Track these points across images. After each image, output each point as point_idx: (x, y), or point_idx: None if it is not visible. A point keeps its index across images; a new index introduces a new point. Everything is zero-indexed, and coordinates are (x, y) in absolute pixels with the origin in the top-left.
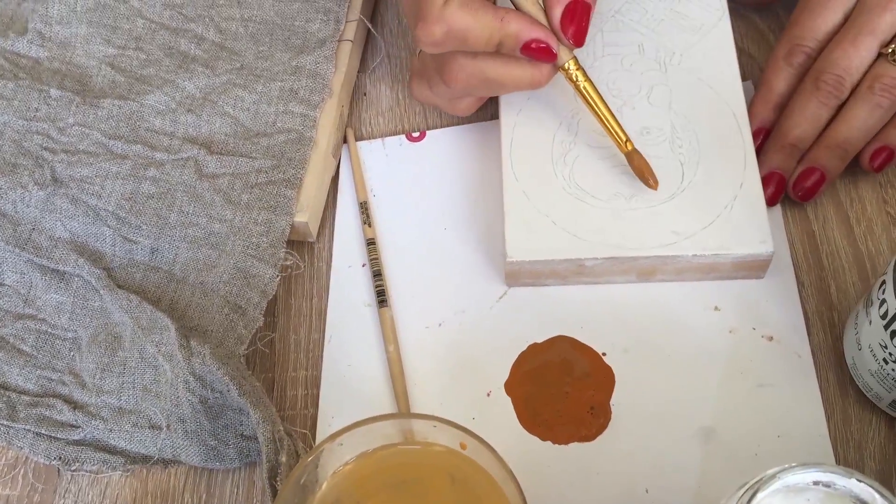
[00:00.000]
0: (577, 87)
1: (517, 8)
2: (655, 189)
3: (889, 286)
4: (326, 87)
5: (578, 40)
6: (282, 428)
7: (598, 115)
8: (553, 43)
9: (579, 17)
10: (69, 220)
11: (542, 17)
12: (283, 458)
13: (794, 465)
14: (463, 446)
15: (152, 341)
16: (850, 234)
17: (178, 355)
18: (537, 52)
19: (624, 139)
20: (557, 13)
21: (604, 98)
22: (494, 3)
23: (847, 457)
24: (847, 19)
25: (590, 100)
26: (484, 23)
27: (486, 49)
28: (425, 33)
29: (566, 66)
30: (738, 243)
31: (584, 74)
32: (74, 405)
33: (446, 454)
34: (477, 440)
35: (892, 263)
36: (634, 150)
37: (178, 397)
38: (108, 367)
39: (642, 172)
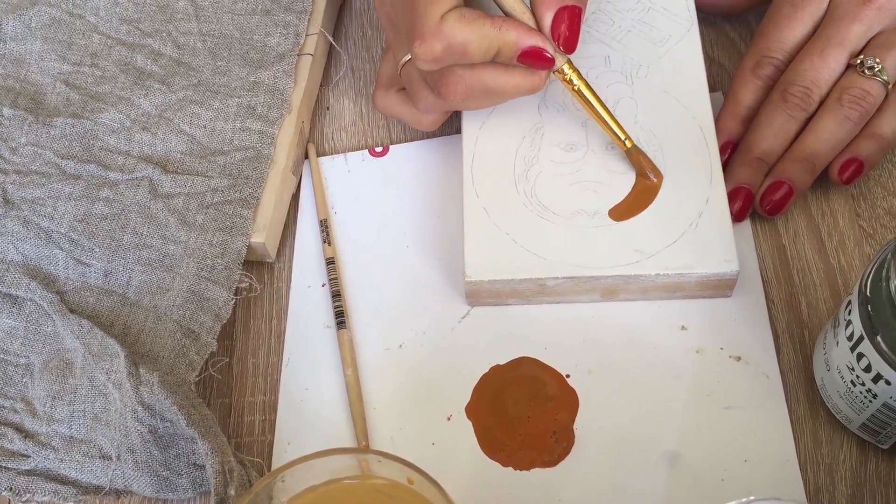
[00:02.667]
0: (573, 90)
1: (508, 15)
2: (659, 182)
3: (854, 307)
4: (285, 102)
5: (570, 46)
6: (232, 458)
7: (596, 116)
8: (550, 49)
9: (570, 23)
10: (21, 243)
11: (535, 24)
12: (233, 491)
13: (752, 499)
14: (410, 481)
15: (102, 369)
16: (822, 248)
17: (126, 384)
18: (535, 59)
19: (623, 137)
20: (548, 19)
21: (599, 97)
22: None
23: (817, 481)
24: (815, 31)
25: (587, 101)
26: (482, 34)
27: (484, 60)
28: (425, 50)
29: (562, 69)
30: (702, 262)
31: (580, 75)
32: (25, 434)
33: (393, 489)
34: (422, 475)
35: (857, 285)
36: (634, 146)
37: (127, 427)
38: (59, 394)
39: (642, 168)
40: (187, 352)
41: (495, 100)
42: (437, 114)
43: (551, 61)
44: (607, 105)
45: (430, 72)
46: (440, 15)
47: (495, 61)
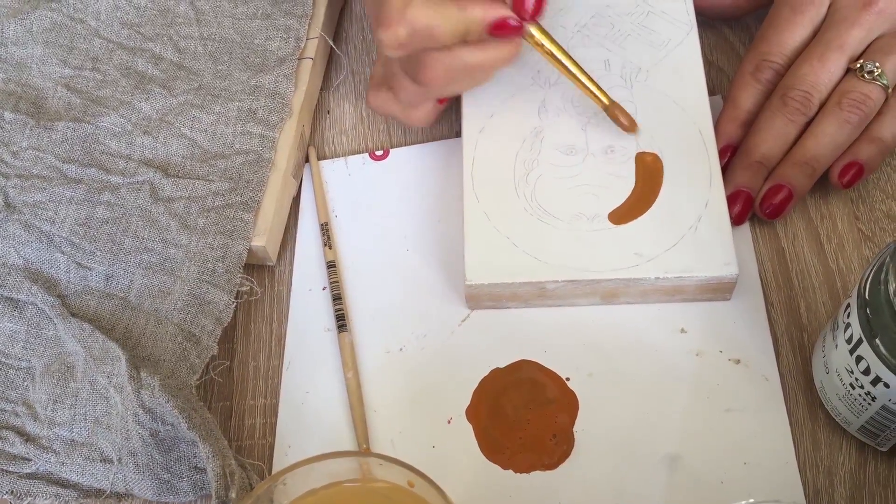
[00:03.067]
0: (544, 52)
1: None
2: (635, 132)
3: (853, 310)
4: (286, 106)
5: (536, 11)
6: (233, 462)
7: (571, 76)
8: (515, 16)
9: None
10: (22, 247)
11: None
12: (233, 494)
13: (751, 501)
14: (411, 484)
15: (104, 372)
16: (821, 251)
17: (127, 387)
18: (504, 30)
19: (601, 95)
20: None
21: (573, 58)
22: None
23: (817, 483)
24: (815, 35)
25: (559, 62)
26: (446, 16)
27: (453, 41)
28: (388, 35)
29: (531, 33)
30: (702, 265)
31: (550, 38)
32: (27, 437)
33: (393, 492)
34: (423, 478)
35: (856, 287)
36: (612, 102)
37: (128, 430)
38: (61, 398)
39: (618, 119)
40: (188, 355)
41: (477, 77)
42: (424, 106)
43: (520, 28)
44: (583, 65)
45: (409, 61)
46: (403, 1)
47: (467, 41)
